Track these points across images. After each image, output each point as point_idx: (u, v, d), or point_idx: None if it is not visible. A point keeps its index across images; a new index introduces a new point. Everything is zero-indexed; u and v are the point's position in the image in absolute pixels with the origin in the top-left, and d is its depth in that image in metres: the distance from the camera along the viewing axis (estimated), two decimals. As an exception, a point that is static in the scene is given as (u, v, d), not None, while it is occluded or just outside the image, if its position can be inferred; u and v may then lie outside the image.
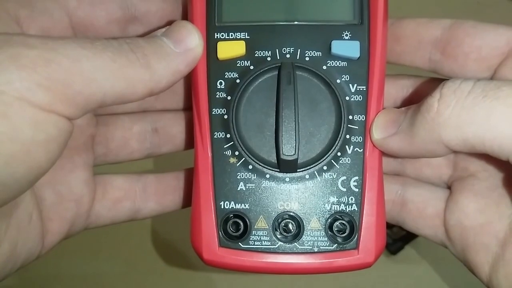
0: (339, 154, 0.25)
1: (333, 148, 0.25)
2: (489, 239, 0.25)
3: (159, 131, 0.30)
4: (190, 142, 0.30)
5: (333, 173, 0.25)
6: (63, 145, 0.21)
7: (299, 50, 0.25)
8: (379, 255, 0.25)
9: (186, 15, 0.27)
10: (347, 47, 0.25)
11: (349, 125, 0.25)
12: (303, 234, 0.25)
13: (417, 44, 0.26)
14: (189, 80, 0.27)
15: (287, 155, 0.24)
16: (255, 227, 0.25)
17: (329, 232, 0.25)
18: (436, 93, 0.21)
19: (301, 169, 0.25)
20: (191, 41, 0.24)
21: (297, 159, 0.24)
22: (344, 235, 0.25)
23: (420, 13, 0.50)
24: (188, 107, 0.30)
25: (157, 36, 0.23)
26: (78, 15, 0.26)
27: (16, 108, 0.18)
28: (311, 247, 0.25)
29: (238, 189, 0.25)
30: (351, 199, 0.25)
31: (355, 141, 0.25)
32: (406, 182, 0.28)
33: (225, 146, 0.25)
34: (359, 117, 0.25)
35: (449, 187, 0.27)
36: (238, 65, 0.25)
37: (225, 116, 0.25)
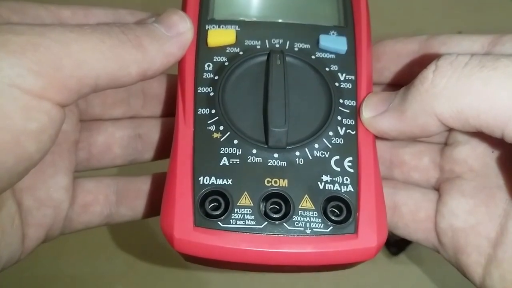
0: (331, 133, 0.23)
1: (324, 126, 0.23)
2: (481, 240, 0.23)
3: (142, 137, 0.29)
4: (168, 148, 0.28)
5: (325, 152, 0.23)
6: (54, 136, 0.20)
7: (288, 41, 0.25)
8: (382, 241, 0.21)
9: None
10: (334, 41, 0.26)
11: (339, 108, 0.24)
12: (293, 213, 0.21)
13: (396, 58, 0.27)
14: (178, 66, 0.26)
15: (277, 125, 0.22)
16: (238, 204, 0.22)
17: (324, 214, 0.22)
18: (431, 65, 0.21)
19: (291, 146, 0.23)
20: (182, 25, 0.24)
21: (286, 131, 0.22)
22: (340, 218, 0.22)
23: (420, 14, 0.51)
24: (169, 114, 0.29)
25: (148, 22, 0.24)
26: (70, 24, 0.26)
27: (7, 95, 0.18)
28: (302, 229, 0.21)
29: (221, 164, 0.22)
30: (346, 179, 0.22)
31: (347, 123, 0.24)
32: (396, 185, 0.26)
33: (209, 122, 0.23)
34: (350, 102, 0.24)
35: (437, 190, 0.26)
36: (227, 51, 0.25)
37: (211, 94, 0.24)
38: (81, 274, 0.43)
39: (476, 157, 0.25)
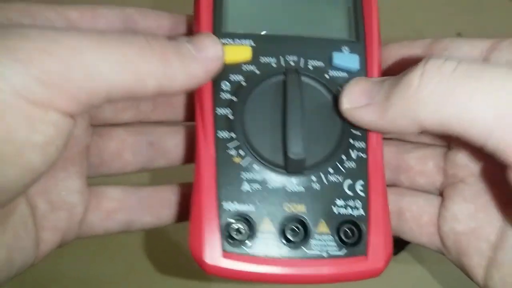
0: (344, 157, 0.25)
1: (338, 151, 0.25)
2: (481, 243, 0.25)
3: (154, 144, 0.29)
4: (187, 156, 0.29)
5: (339, 177, 0.25)
6: (62, 147, 0.20)
7: (302, 59, 0.26)
8: (388, 261, 0.24)
9: (191, 31, 0.28)
10: (347, 59, 0.26)
11: (351, 130, 0.25)
12: (310, 238, 0.24)
13: (400, 64, 0.28)
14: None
15: (295, 154, 0.23)
16: (261, 230, 0.23)
17: (337, 237, 0.24)
18: (419, 68, 0.21)
19: (308, 171, 0.24)
20: (213, 50, 0.23)
21: (304, 159, 0.24)
22: (352, 240, 0.24)
23: (420, 14, 0.52)
24: (187, 120, 0.30)
25: (179, 39, 0.23)
26: (79, 26, 0.25)
27: (11, 105, 0.17)
28: (320, 252, 0.23)
29: (242, 189, 0.24)
30: (358, 203, 0.24)
31: (358, 146, 0.25)
32: (401, 192, 0.28)
33: (229, 146, 0.24)
34: None
35: (441, 194, 0.28)
36: (243, 69, 0.25)
37: (230, 116, 0.25)
38: (82, 275, 0.43)
39: (477, 162, 0.26)
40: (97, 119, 0.28)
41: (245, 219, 0.23)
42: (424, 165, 0.28)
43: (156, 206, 0.28)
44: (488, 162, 0.25)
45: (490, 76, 0.20)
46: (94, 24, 0.26)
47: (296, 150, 0.23)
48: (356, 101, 0.24)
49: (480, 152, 0.22)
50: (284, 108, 0.24)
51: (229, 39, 0.26)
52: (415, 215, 0.27)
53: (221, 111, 0.25)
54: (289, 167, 0.24)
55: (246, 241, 0.23)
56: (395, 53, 0.28)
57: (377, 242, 0.24)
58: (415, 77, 0.21)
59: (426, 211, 0.27)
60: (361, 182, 0.25)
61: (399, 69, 0.28)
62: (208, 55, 0.23)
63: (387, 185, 0.28)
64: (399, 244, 0.46)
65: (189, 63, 0.22)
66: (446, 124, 0.21)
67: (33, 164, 0.19)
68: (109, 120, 0.28)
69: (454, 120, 0.20)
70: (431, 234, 0.27)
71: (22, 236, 0.23)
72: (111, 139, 0.28)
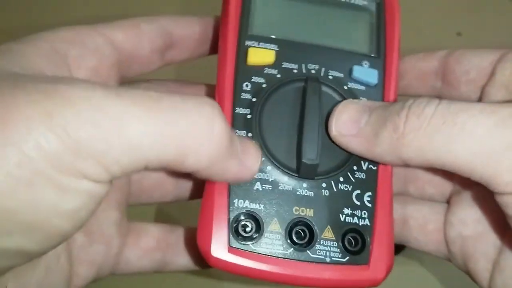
0: (355, 168, 0.25)
1: (350, 161, 0.25)
2: (488, 247, 0.26)
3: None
4: None
5: (348, 186, 0.25)
6: (94, 209, 0.19)
7: (323, 68, 0.27)
8: (388, 272, 0.25)
9: (217, 36, 0.28)
10: (366, 73, 0.27)
11: None
12: (316, 242, 0.24)
13: (419, 76, 0.29)
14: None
15: (309, 159, 0.24)
16: (268, 229, 0.24)
17: (341, 244, 0.24)
18: (403, 114, 0.23)
19: (319, 177, 0.25)
20: (253, 160, 0.23)
21: (317, 164, 0.24)
22: (355, 249, 0.24)
23: (423, 14, 0.52)
24: None
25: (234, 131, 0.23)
26: (125, 47, 0.26)
27: (41, 174, 0.16)
28: (323, 257, 0.24)
29: (254, 188, 0.24)
30: (364, 213, 0.25)
31: None
32: (406, 200, 0.29)
33: None
34: None
35: (448, 202, 0.28)
36: (265, 71, 0.26)
37: (248, 116, 0.25)
38: None
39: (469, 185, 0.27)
40: None
41: (254, 217, 0.24)
42: (433, 175, 0.29)
43: (193, 249, 0.27)
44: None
45: (462, 120, 0.21)
46: (138, 44, 0.26)
47: (310, 155, 0.24)
48: (344, 129, 0.24)
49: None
50: (301, 114, 0.25)
51: (254, 42, 0.26)
52: (420, 223, 0.28)
53: (240, 110, 0.25)
54: (302, 171, 0.24)
55: (253, 239, 0.24)
56: (413, 66, 0.29)
57: (380, 253, 0.24)
58: (400, 124, 0.22)
59: (431, 218, 0.28)
60: (369, 193, 0.25)
61: (417, 83, 0.29)
62: (247, 163, 0.22)
63: (395, 194, 0.29)
64: (399, 245, 0.46)
65: (230, 155, 0.21)
66: (430, 163, 0.22)
67: (61, 229, 0.18)
68: None
69: (437, 161, 0.22)
70: (437, 241, 0.27)
71: (54, 271, 0.22)
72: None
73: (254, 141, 0.24)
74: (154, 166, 0.19)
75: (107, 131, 0.17)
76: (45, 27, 0.24)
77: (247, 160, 0.22)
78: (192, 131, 0.19)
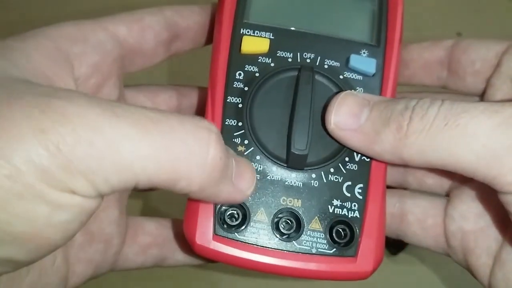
0: (347, 159, 0.25)
1: (342, 152, 0.25)
2: (489, 241, 0.25)
3: None
4: None
5: (339, 177, 0.25)
6: (85, 221, 0.19)
7: (319, 57, 0.26)
8: (377, 266, 0.24)
9: (213, 25, 0.28)
10: (364, 63, 0.26)
11: None
12: (302, 233, 0.24)
13: (424, 66, 0.28)
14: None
15: (298, 149, 0.24)
16: (254, 219, 0.24)
17: (329, 236, 0.24)
18: (407, 115, 0.22)
19: (309, 168, 0.25)
20: (247, 185, 0.22)
21: (307, 155, 0.24)
22: (344, 240, 0.24)
23: (423, 14, 0.52)
24: None
25: (231, 152, 0.23)
26: (128, 41, 0.26)
27: (34, 189, 0.16)
28: (309, 248, 0.24)
29: None
30: (354, 205, 0.25)
31: None
32: (404, 194, 0.28)
33: (235, 134, 0.25)
34: None
35: (447, 195, 0.28)
36: (259, 60, 0.26)
37: (240, 105, 0.25)
38: None
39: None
40: None
41: (241, 206, 0.24)
42: None
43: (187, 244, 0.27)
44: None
45: (465, 121, 0.21)
46: (142, 37, 0.26)
47: (300, 145, 0.24)
48: (343, 123, 0.24)
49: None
50: (293, 103, 0.25)
51: (249, 30, 0.26)
52: (419, 218, 0.27)
53: (232, 99, 0.25)
54: (291, 162, 0.24)
55: (238, 227, 0.24)
56: (418, 55, 0.29)
57: (368, 246, 0.24)
58: (404, 124, 0.22)
59: (431, 212, 0.27)
60: (360, 185, 0.25)
61: (422, 73, 0.28)
62: (241, 186, 0.22)
63: (395, 187, 0.28)
64: (399, 244, 0.46)
65: (223, 179, 0.20)
66: (432, 164, 0.22)
67: (51, 241, 0.18)
68: None
69: (438, 162, 0.22)
70: (436, 235, 0.27)
71: (48, 273, 0.22)
72: None
73: (250, 163, 0.23)
74: (144, 186, 0.18)
75: (100, 151, 0.17)
76: (48, 19, 0.24)
77: (240, 183, 0.22)
78: (186, 158, 0.18)
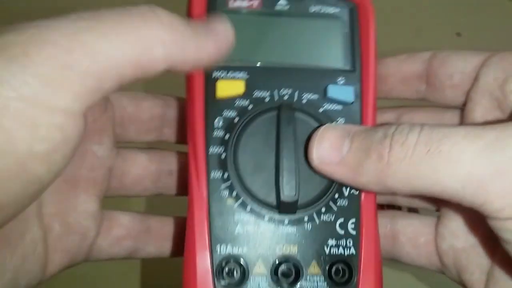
0: (336, 196, 0.25)
1: (331, 189, 0.25)
2: (482, 258, 0.25)
3: (173, 173, 0.29)
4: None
5: (331, 215, 0.25)
6: (70, 154, 0.18)
7: (296, 92, 0.25)
8: (378, 299, 0.25)
9: None
10: (342, 92, 0.26)
11: None
12: (302, 278, 0.24)
13: (402, 80, 0.28)
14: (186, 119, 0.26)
15: (288, 196, 0.23)
16: (253, 273, 0.24)
17: (328, 278, 0.24)
18: (386, 143, 0.22)
19: (300, 210, 0.24)
20: (221, 26, 0.22)
21: (297, 201, 0.24)
22: (343, 280, 0.24)
23: (421, 15, 0.52)
24: None
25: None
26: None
27: (9, 111, 0.16)
28: (311, 293, 0.24)
29: (236, 232, 0.24)
30: (349, 242, 0.25)
31: None
32: (395, 214, 0.28)
33: (222, 187, 0.24)
34: None
35: (437, 210, 0.28)
36: (236, 104, 0.25)
37: (222, 156, 0.24)
38: (82, 272, 0.41)
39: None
40: (121, 137, 0.28)
41: (237, 262, 0.24)
42: None
43: (161, 237, 0.29)
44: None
45: (448, 147, 0.20)
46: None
47: (289, 192, 0.23)
48: (326, 157, 0.23)
49: None
50: (277, 147, 0.24)
51: (223, 72, 0.25)
52: (411, 237, 0.28)
53: (214, 149, 0.24)
54: (282, 208, 0.24)
55: (238, 284, 0.23)
56: (395, 70, 0.28)
57: (368, 280, 0.24)
58: (384, 153, 0.21)
59: (422, 231, 0.28)
60: (353, 219, 0.25)
61: (401, 87, 0.28)
62: (218, 30, 0.22)
63: (385, 205, 0.29)
64: None
65: (199, 35, 0.21)
66: (418, 191, 0.22)
67: (38, 175, 0.17)
68: (134, 138, 0.29)
69: (424, 190, 0.21)
70: (429, 254, 0.27)
71: (30, 259, 0.23)
72: (134, 165, 0.28)
73: (224, 21, 0.23)
74: (128, 71, 0.19)
75: (64, 45, 0.17)
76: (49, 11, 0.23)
77: (216, 27, 0.22)
78: (145, 22, 0.19)
